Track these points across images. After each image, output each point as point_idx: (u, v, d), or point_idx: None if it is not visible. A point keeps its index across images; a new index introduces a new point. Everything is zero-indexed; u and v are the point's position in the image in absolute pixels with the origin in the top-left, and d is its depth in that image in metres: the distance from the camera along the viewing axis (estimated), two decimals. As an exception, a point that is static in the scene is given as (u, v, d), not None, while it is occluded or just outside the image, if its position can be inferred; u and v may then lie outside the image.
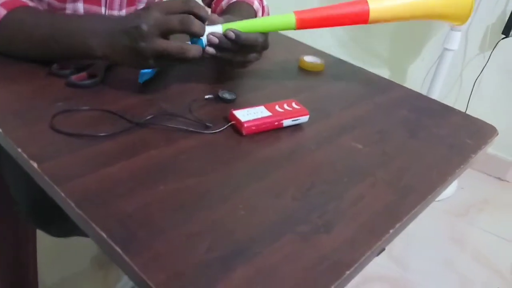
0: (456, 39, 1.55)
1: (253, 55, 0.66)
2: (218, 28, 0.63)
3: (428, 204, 0.52)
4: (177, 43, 0.58)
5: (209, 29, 0.63)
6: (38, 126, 0.52)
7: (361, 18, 0.66)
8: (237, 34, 0.62)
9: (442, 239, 1.56)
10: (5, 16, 0.62)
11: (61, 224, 0.75)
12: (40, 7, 0.77)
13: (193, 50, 0.59)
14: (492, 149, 1.86)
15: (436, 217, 1.63)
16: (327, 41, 2.12)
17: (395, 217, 0.47)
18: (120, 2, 0.82)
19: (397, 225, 0.45)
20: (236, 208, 0.45)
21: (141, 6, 0.86)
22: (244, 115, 0.57)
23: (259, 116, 0.57)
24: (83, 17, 0.65)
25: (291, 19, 0.65)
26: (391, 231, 0.44)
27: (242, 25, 0.63)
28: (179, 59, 0.59)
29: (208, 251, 0.39)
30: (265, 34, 0.65)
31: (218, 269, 0.37)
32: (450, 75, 1.81)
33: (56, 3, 0.77)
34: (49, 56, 0.64)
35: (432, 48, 1.90)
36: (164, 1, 0.59)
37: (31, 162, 0.46)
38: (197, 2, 0.60)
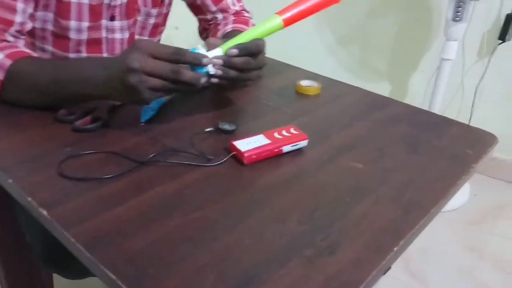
0: (452, 48, 1.56)
1: (257, 66, 0.68)
2: (218, 51, 0.65)
3: (432, 218, 0.52)
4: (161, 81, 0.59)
5: (210, 54, 0.65)
6: (46, 173, 0.54)
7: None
8: (239, 48, 0.64)
9: (459, 248, 1.53)
10: (10, 66, 0.65)
11: (76, 267, 0.76)
12: (45, 56, 0.80)
13: (187, 74, 0.60)
14: (502, 154, 1.84)
15: (452, 227, 1.61)
16: (326, 63, 2.15)
17: (399, 234, 0.47)
18: (121, 47, 0.85)
19: (401, 242, 0.46)
20: (242, 237, 0.46)
21: None
22: (244, 145, 0.59)
23: (259, 145, 0.59)
24: (80, 63, 0.67)
25: (277, 20, 0.68)
26: (395, 248, 0.45)
27: (237, 41, 0.66)
28: (173, 85, 0.60)
29: (216, 283, 0.40)
30: (261, 39, 0.68)
31: (226, 300, 0.38)
32: (451, 84, 1.82)
33: (59, 53, 0.81)
34: (53, 102, 0.66)
35: (431, 59, 1.92)
36: (152, 44, 0.61)
37: (41, 209, 0.47)
38: (186, 51, 0.61)
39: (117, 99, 0.64)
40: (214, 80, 0.65)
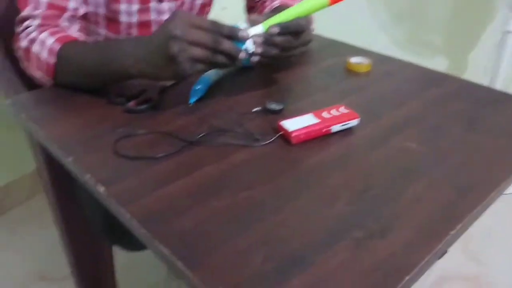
0: (517, 20, 1.45)
1: (299, 44, 0.67)
2: (260, 28, 0.65)
3: (492, 202, 0.49)
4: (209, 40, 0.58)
5: (251, 31, 0.64)
6: (103, 152, 0.56)
7: None
8: (281, 27, 0.64)
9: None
10: (60, 50, 0.68)
11: (133, 239, 0.79)
12: (99, 39, 0.83)
13: (227, 43, 0.59)
14: None
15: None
16: (379, 39, 2.07)
17: (455, 218, 0.45)
18: None
19: (458, 227, 0.44)
20: (289, 217, 0.45)
21: None
22: (292, 124, 0.58)
23: (307, 124, 0.58)
24: (122, 41, 0.69)
25: None
26: (451, 232, 0.43)
27: (281, 18, 0.65)
28: (213, 56, 0.60)
29: (264, 262, 0.40)
30: (304, 18, 0.66)
31: (274, 279, 0.38)
32: (514, 58, 1.69)
33: (112, 36, 0.83)
34: (100, 82, 0.69)
35: (492, 33, 1.79)
36: (191, 14, 0.60)
37: (98, 187, 0.50)
38: (224, 24, 0.61)
39: (158, 74, 0.63)
40: (255, 58, 0.64)
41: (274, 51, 0.65)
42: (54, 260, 1.30)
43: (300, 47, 0.68)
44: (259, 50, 0.64)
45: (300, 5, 0.66)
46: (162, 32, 0.59)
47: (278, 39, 0.64)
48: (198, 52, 0.59)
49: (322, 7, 0.66)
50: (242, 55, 0.62)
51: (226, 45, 0.60)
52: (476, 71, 1.86)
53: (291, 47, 0.66)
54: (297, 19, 0.65)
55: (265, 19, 0.65)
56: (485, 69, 1.84)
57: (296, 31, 0.65)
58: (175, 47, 0.57)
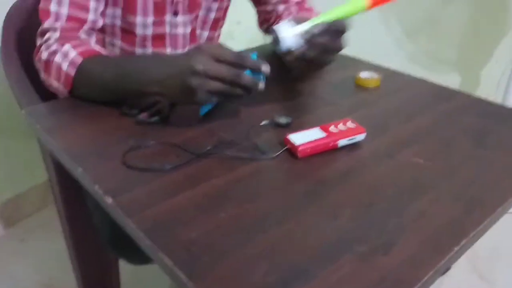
0: (531, 36, 1.44)
1: (337, 48, 0.68)
2: (305, 26, 0.66)
3: (499, 218, 0.49)
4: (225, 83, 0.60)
5: (296, 28, 0.66)
6: (112, 163, 0.57)
7: None
8: (323, 25, 0.65)
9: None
10: (81, 63, 0.70)
11: (139, 252, 0.80)
12: (114, 51, 0.85)
13: (247, 77, 0.61)
14: None
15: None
16: (392, 56, 2.07)
17: (461, 233, 0.45)
18: (183, 42, 0.88)
19: (463, 242, 0.43)
20: (293, 230, 0.46)
21: (201, 42, 0.92)
22: (299, 138, 0.58)
23: (314, 138, 0.58)
24: (143, 60, 0.70)
25: (361, 1, 0.67)
26: (455, 248, 0.43)
27: (324, 18, 0.66)
28: (230, 89, 0.61)
29: (266, 274, 0.40)
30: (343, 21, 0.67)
31: (276, 291, 0.38)
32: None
33: (127, 48, 0.85)
34: (116, 97, 0.70)
35: (506, 49, 1.79)
36: (214, 48, 0.62)
37: (106, 197, 0.51)
38: (247, 56, 0.62)
39: (173, 97, 0.65)
40: (262, 85, 0.64)
41: (313, 53, 0.66)
42: (63, 271, 1.31)
43: (336, 53, 0.69)
44: (300, 51, 0.65)
45: (340, 8, 0.68)
46: (185, 64, 0.60)
47: (319, 39, 0.65)
48: (216, 85, 0.60)
49: (361, 10, 0.68)
50: (261, 85, 0.62)
51: (246, 79, 0.61)
52: (489, 87, 1.84)
53: (329, 50, 0.67)
54: (338, 21, 0.66)
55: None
56: (498, 85, 1.83)
57: (337, 31, 0.66)
58: (195, 81, 0.59)
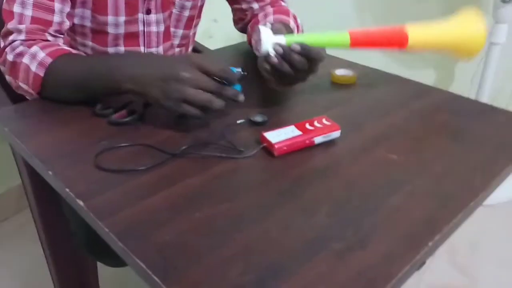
0: (502, 32, 1.48)
1: (309, 72, 0.67)
2: (282, 39, 0.65)
3: (472, 212, 0.50)
4: (206, 94, 0.60)
5: (275, 38, 0.65)
6: (84, 165, 0.56)
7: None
8: (303, 48, 0.63)
9: (511, 243, 1.45)
10: (51, 64, 0.68)
11: (116, 256, 0.79)
12: (86, 51, 0.83)
13: (218, 102, 0.60)
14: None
15: (504, 221, 1.53)
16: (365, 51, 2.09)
17: (434, 228, 0.45)
18: (157, 40, 0.87)
19: (437, 237, 0.44)
20: (270, 229, 0.45)
21: (176, 40, 0.91)
22: (275, 136, 0.58)
23: (290, 136, 0.58)
24: (113, 56, 0.69)
25: (346, 38, 0.67)
26: (430, 243, 0.43)
27: (302, 39, 0.65)
28: (203, 108, 0.61)
29: (242, 274, 0.40)
30: (323, 48, 0.66)
31: (252, 292, 0.38)
32: (502, 70, 1.72)
33: (99, 48, 0.83)
34: (89, 95, 0.69)
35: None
36: (202, 59, 0.61)
37: (78, 200, 0.49)
38: (232, 72, 0.63)
39: (147, 96, 0.63)
40: (241, 97, 0.63)
41: (286, 67, 0.64)
42: (41, 275, 1.28)
43: (307, 77, 0.68)
44: (275, 60, 0.64)
45: (323, 36, 0.67)
46: (171, 68, 0.60)
47: (297, 58, 0.64)
48: (195, 95, 0.60)
49: (343, 45, 0.68)
50: (241, 97, 0.62)
51: (229, 91, 0.61)
52: (463, 83, 1.88)
53: (302, 72, 0.66)
54: (319, 48, 0.65)
55: (287, 33, 0.67)
56: (472, 81, 1.86)
57: (315, 58, 0.65)
58: (175, 87, 0.59)
